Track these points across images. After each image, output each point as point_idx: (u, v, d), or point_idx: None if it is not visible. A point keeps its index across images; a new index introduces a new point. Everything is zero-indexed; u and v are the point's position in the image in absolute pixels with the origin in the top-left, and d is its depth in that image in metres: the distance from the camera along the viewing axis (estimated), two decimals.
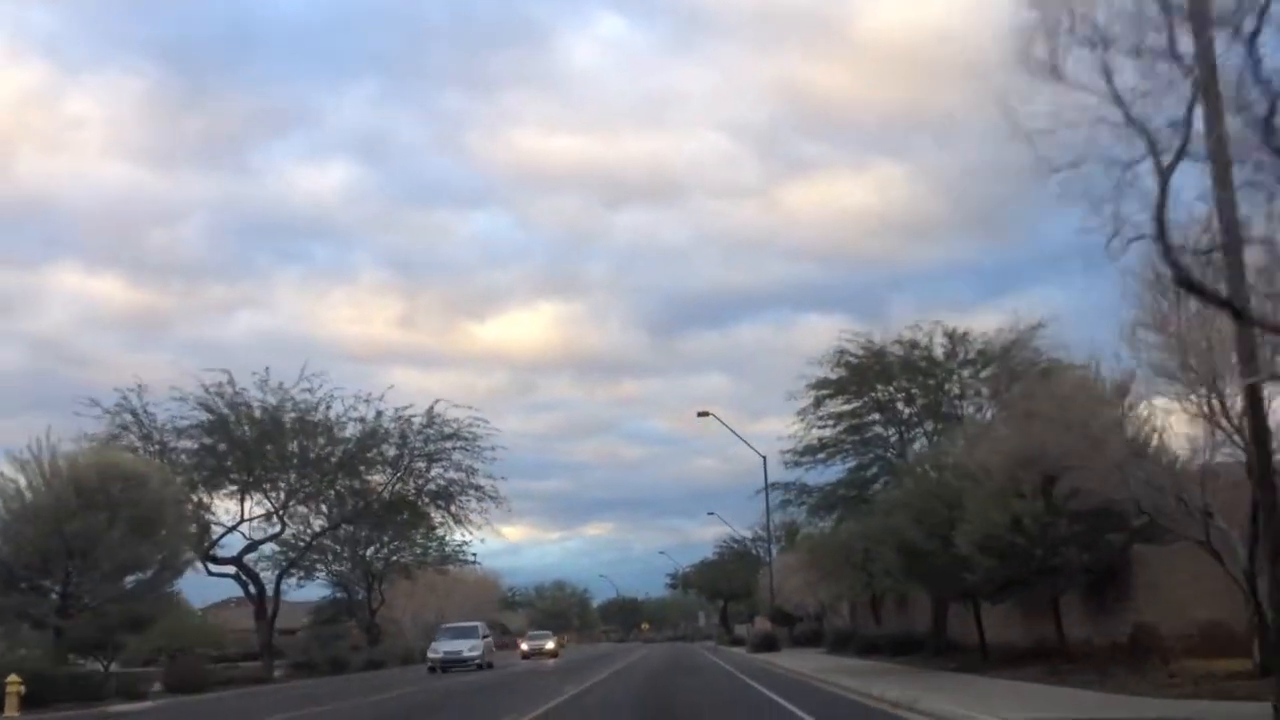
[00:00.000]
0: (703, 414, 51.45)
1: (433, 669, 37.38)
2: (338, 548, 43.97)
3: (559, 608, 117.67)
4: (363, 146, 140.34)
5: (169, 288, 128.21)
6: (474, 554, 45.15)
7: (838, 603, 50.01)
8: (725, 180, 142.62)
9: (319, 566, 44.05)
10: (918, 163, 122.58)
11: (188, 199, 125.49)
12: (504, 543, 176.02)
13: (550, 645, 57.43)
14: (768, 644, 47.82)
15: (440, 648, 38.72)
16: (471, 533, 35.78)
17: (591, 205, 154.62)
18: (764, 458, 50.25)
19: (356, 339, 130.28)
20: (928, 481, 22.96)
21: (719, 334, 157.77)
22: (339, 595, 56.38)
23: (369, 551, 43.56)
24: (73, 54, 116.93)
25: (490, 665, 39.61)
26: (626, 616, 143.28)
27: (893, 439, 29.23)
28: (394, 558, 43.69)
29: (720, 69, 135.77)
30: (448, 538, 41.81)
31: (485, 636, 40.78)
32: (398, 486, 33.18)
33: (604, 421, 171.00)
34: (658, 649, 71.84)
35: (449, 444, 32.70)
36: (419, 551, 43.31)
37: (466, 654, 37.88)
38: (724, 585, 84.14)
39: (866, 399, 29.04)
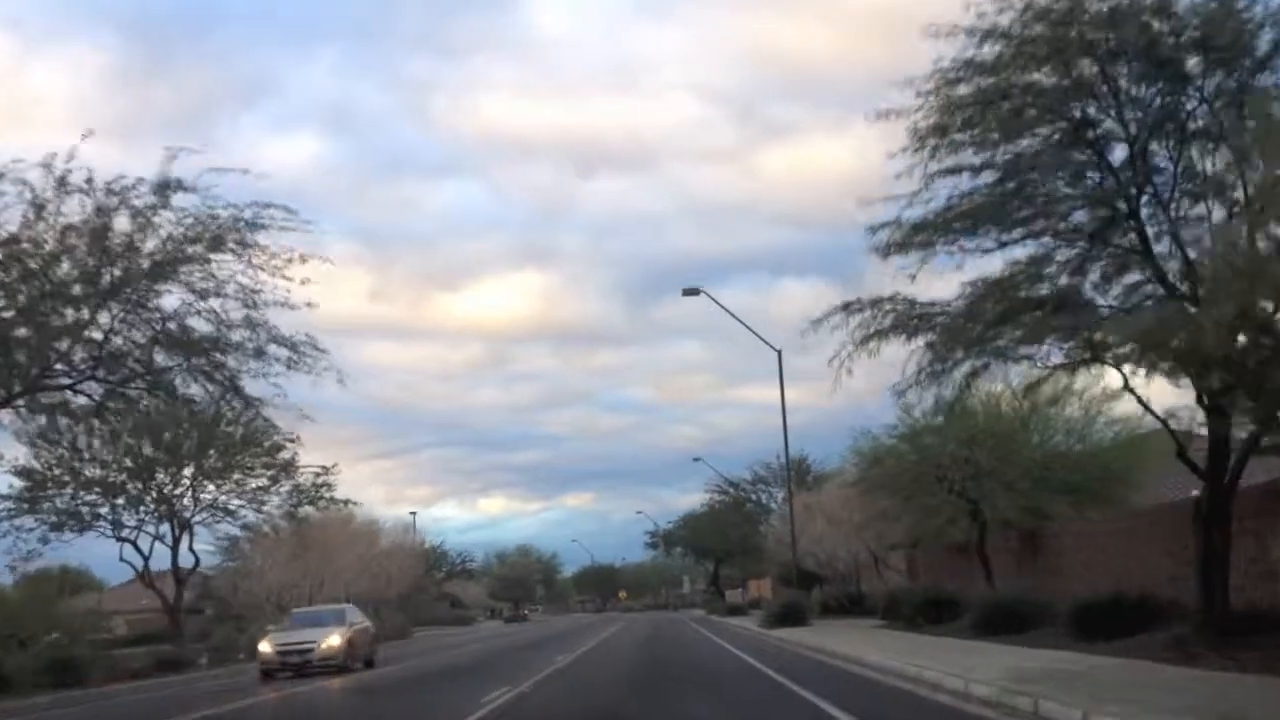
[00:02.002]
0: (690, 291, 36.39)
1: None
2: (136, 485, 28.37)
3: (520, 575, 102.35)
4: (329, 117, 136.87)
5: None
6: (349, 499, 29.47)
7: (890, 554, 35.01)
8: (700, 146, 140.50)
9: (93, 509, 28.25)
10: (894, 124, 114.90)
11: (153, 173, 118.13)
12: (482, 515, 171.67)
13: (331, 643, 24.57)
14: (793, 615, 32.68)
15: None
16: (263, 419, 19.78)
17: (564, 173, 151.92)
18: (779, 351, 35.97)
19: (326, 313, 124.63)
20: None
21: (696, 302, 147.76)
22: (228, 561, 41.30)
23: (170, 486, 27.99)
24: (33, 27, 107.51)
25: None
26: (602, 584, 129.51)
27: (1123, 179, 13.69)
28: (202, 493, 28.21)
29: (693, 31, 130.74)
30: (297, 460, 26.68)
31: None
32: (113, 329, 16.84)
33: (581, 391, 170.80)
34: (636, 623, 56.76)
35: (206, 249, 16.64)
36: (260, 485, 27.82)
37: None
38: (715, 543, 68.40)
39: (1061, 102, 13.61)
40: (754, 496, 61.68)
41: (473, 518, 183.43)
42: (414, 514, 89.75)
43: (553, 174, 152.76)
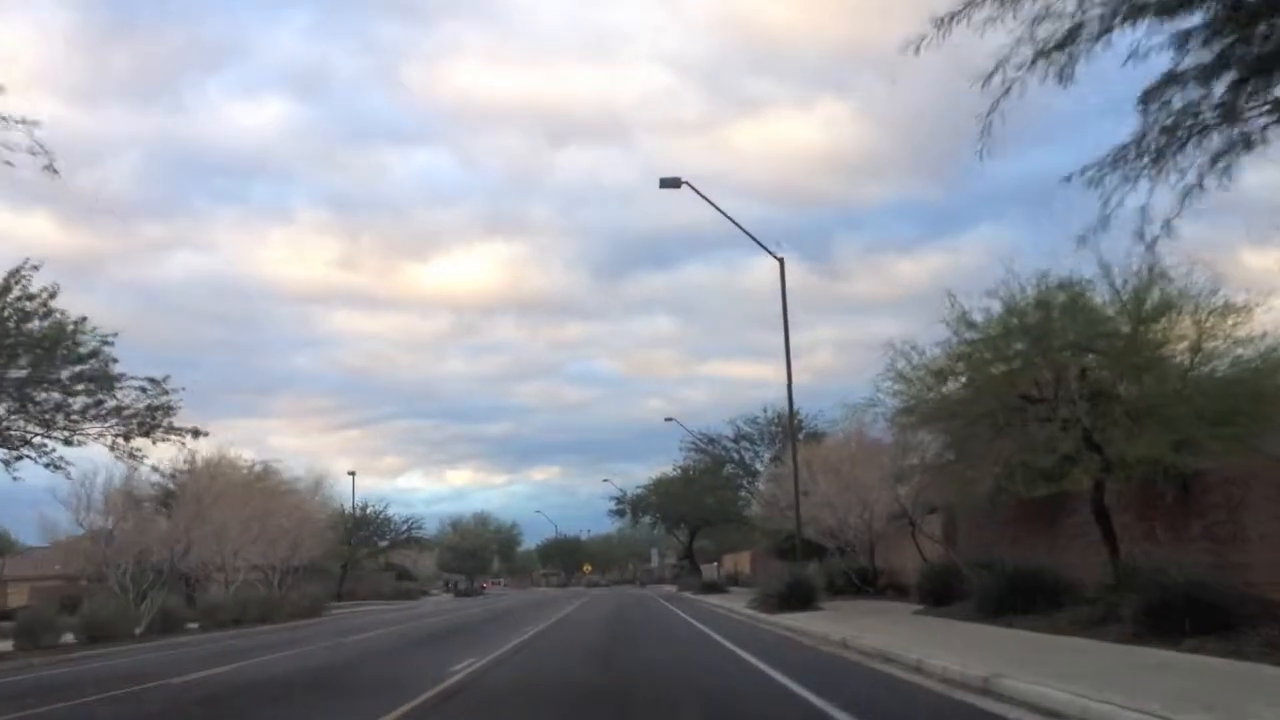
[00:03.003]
0: (669, 182, 28.60)
1: None
2: None
3: (473, 545, 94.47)
4: (299, 82, 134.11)
5: (103, 228, 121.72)
6: (196, 428, 21.46)
7: (924, 518, 27.52)
8: (670, 117, 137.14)
9: None
10: (864, 100, 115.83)
11: (119, 137, 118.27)
12: (449, 487, 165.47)
13: None
14: (799, 596, 25.17)
15: None
16: None
17: (534, 143, 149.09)
18: (780, 260, 28.61)
19: (295, 280, 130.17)
20: None
21: (664, 275, 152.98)
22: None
23: None
24: None
25: None
26: (567, 557, 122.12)
27: None
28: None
29: (665, 1, 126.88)
30: (111, 370, 19.04)
31: None
32: None
33: (549, 364, 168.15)
34: (600, 601, 49.25)
35: None
36: (64, 404, 19.77)
37: None
38: (691, 510, 60.66)
39: None
40: (735, 455, 54.03)
41: (440, 489, 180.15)
42: (353, 474, 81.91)
43: (523, 143, 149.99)
